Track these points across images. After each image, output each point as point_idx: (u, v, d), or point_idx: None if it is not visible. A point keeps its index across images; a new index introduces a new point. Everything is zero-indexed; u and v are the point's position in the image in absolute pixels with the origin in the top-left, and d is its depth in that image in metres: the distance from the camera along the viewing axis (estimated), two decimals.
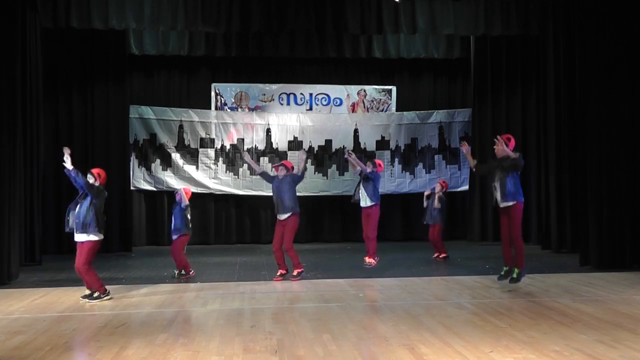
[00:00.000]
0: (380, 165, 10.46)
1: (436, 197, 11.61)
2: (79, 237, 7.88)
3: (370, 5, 11.72)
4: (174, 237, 9.75)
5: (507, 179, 8.11)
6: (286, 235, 9.41)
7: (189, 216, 9.83)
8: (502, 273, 8.40)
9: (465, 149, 8.81)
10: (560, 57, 12.03)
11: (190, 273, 9.73)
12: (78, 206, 7.92)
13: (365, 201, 10.11)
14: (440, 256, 11.63)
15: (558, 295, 7.86)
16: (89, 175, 8.07)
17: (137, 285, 9.11)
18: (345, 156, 10.49)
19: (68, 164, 7.86)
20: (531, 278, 9.01)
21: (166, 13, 11.40)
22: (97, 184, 8.03)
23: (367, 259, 10.14)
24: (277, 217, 9.56)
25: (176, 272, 9.78)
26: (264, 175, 9.97)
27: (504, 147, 8.19)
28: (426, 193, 11.98)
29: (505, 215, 8.28)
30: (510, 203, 8.15)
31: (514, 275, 8.23)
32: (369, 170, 10.07)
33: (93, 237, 7.86)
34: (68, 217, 8.00)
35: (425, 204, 11.88)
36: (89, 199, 7.89)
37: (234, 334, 6.13)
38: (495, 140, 8.35)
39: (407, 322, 6.54)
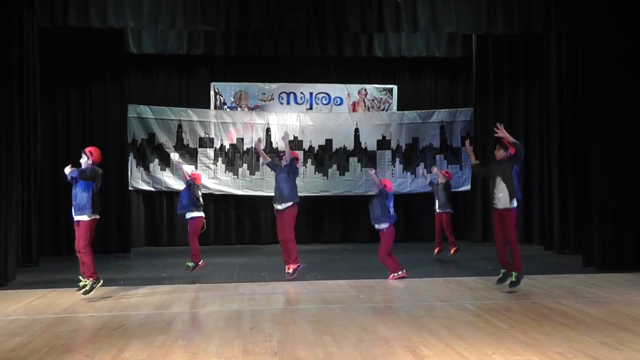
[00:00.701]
0: (386, 185, 9.66)
1: (440, 182, 11.85)
2: (76, 217, 8.12)
3: (371, 4, 11.71)
4: (186, 217, 9.93)
5: (512, 179, 8.10)
6: (286, 225, 9.46)
7: (199, 194, 9.96)
8: (500, 276, 8.38)
9: (468, 147, 8.82)
10: (563, 56, 12.01)
11: (200, 263, 9.80)
12: (73, 188, 8.15)
13: (375, 223, 9.54)
14: (451, 251, 11.64)
15: (561, 297, 7.86)
16: (82, 155, 8.27)
17: (136, 286, 9.11)
18: (370, 172, 10.03)
19: (67, 169, 8.11)
20: (533, 279, 9.02)
21: (165, 12, 11.38)
22: (89, 162, 8.21)
23: (391, 278, 9.37)
24: (275, 207, 9.61)
25: (189, 264, 9.83)
26: (270, 164, 9.96)
27: (504, 134, 8.18)
28: (420, 170, 12.22)
29: (499, 218, 8.26)
30: (512, 206, 8.14)
31: (513, 279, 8.19)
32: (381, 187, 9.51)
33: (86, 218, 8.07)
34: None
35: (426, 178, 12.42)
36: (75, 181, 8.10)
37: (233, 336, 6.13)
38: (496, 129, 8.31)
39: (408, 323, 6.53)
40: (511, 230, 8.22)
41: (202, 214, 10.04)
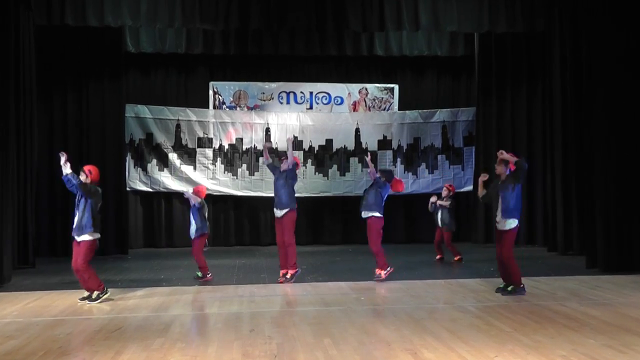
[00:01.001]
0: (399, 183, 9.96)
1: (445, 203, 11.71)
2: (77, 238, 8.01)
3: (372, 2, 11.68)
4: (194, 236, 9.81)
5: (509, 199, 8.05)
6: (286, 230, 9.48)
7: (205, 214, 9.90)
8: (501, 286, 8.37)
9: (481, 179, 8.67)
10: (566, 54, 12.00)
11: (208, 276, 9.74)
12: (76, 208, 8.05)
13: (364, 211, 9.64)
14: (455, 258, 11.64)
15: (564, 299, 7.85)
16: (80, 173, 8.16)
17: (133, 288, 9.11)
18: (367, 160, 10.13)
19: (67, 169, 7.96)
20: (537, 281, 9.01)
21: (163, 10, 11.36)
22: (88, 181, 8.10)
23: (377, 271, 9.57)
24: (275, 213, 9.64)
25: (198, 274, 9.82)
26: (271, 166, 9.93)
27: (506, 156, 8.21)
28: (432, 200, 11.94)
29: (499, 236, 8.26)
30: (508, 227, 8.09)
31: (509, 289, 8.19)
32: (377, 175, 9.80)
33: (88, 237, 7.97)
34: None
35: (430, 208, 11.90)
36: (84, 199, 7.99)
37: (232, 339, 6.13)
38: (498, 155, 8.35)
39: (409, 326, 6.52)
40: (507, 248, 8.18)
41: (206, 230, 9.96)
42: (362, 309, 7.58)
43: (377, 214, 9.52)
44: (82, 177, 8.10)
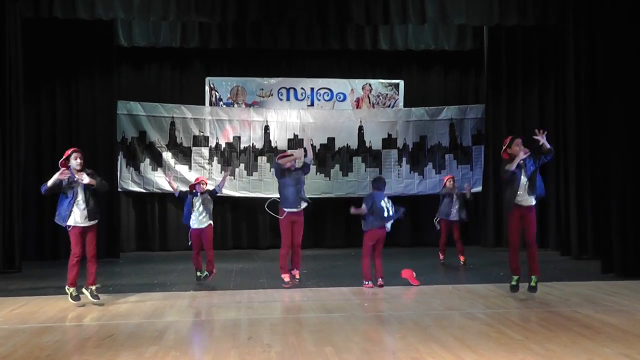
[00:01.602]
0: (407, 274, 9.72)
1: (454, 195, 11.79)
2: (91, 222, 8.31)
3: None
4: (206, 225, 9.86)
5: (536, 177, 8.26)
6: (299, 230, 9.68)
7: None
8: (514, 283, 8.38)
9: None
10: (580, 49, 12.01)
11: (214, 271, 9.88)
12: (82, 194, 8.19)
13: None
14: (462, 259, 11.65)
15: (579, 305, 7.84)
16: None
17: (126, 293, 9.11)
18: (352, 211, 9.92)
19: (86, 178, 8.18)
20: (549, 287, 9.00)
21: (157, 2, 11.36)
22: (96, 179, 8.36)
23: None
24: (292, 211, 9.60)
25: (200, 274, 9.89)
26: (278, 169, 9.79)
27: (544, 140, 8.23)
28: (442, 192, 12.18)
29: (520, 217, 8.27)
30: (533, 203, 8.26)
31: (532, 284, 8.26)
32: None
33: (96, 221, 8.41)
34: (66, 212, 8.20)
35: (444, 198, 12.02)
36: (83, 186, 8.17)
37: (229, 347, 6.12)
38: (537, 131, 8.34)
39: (415, 333, 6.52)
40: (534, 230, 8.31)
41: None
42: (365, 315, 7.57)
43: (365, 228, 9.57)
44: (87, 179, 8.20)
